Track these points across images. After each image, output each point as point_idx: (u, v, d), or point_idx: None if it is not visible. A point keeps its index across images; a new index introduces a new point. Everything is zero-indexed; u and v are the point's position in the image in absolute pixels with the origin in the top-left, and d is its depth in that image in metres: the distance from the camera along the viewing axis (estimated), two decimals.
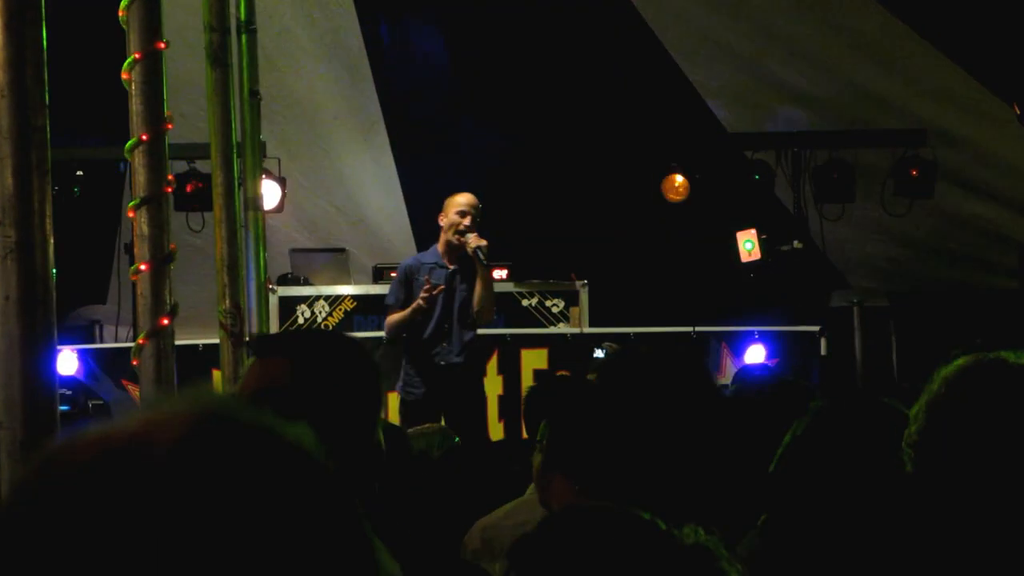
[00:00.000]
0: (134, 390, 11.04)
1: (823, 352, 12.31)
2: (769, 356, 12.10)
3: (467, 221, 9.56)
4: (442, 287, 9.57)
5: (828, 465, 3.03)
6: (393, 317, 9.71)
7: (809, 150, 13.78)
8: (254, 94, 8.58)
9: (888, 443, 2.98)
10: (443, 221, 9.68)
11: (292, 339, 3.47)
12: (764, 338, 12.33)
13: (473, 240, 9.51)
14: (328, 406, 2.96)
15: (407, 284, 9.76)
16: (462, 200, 9.66)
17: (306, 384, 3.10)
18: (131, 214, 4.92)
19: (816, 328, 12.54)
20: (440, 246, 9.73)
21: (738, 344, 12.26)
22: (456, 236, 9.57)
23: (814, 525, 2.99)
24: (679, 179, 13.73)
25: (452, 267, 9.68)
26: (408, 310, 9.59)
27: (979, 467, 2.58)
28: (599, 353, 9.60)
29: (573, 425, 3.60)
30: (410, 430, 6.84)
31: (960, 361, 2.70)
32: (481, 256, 9.51)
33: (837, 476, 3.01)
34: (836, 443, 3.06)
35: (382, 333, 10.01)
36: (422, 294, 9.51)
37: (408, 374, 9.74)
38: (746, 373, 7.02)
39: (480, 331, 10.74)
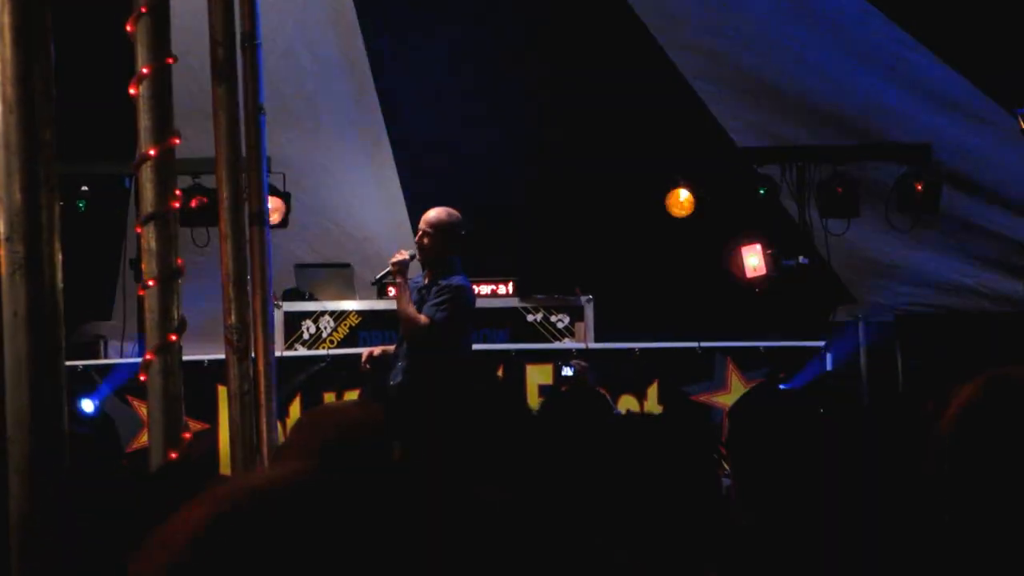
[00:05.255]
0: (139, 406, 11.03)
1: (829, 367, 12.28)
2: (774, 371, 12.07)
3: (417, 238, 9.57)
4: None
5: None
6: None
7: (813, 164, 13.76)
8: (259, 108, 8.58)
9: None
10: None
11: None
12: (769, 353, 12.31)
13: (394, 256, 9.58)
14: None
15: None
16: (424, 216, 9.66)
17: None
18: (139, 229, 4.91)
19: (822, 343, 12.51)
20: None
21: (743, 359, 12.23)
22: None
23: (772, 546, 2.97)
24: (684, 194, 13.73)
25: (424, 281, 9.69)
26: None
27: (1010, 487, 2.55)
28: (567, 371, 9.47)
29: None
30: None
31: (975, 384, 2.66)
32: (389, 273, 9.55)
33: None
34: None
35: (389, 348, 10.02)
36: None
37: None
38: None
39: (484, 347, 10.67)
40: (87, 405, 11.78)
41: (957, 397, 2.62)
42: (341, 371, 11.85)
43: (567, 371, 9.39)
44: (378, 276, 9.98)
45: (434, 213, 9.55)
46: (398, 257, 9.48)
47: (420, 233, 9.51)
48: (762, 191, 13.64)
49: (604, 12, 12.80)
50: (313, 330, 12.51)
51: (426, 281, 9.54)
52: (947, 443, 2.61)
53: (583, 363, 9.78)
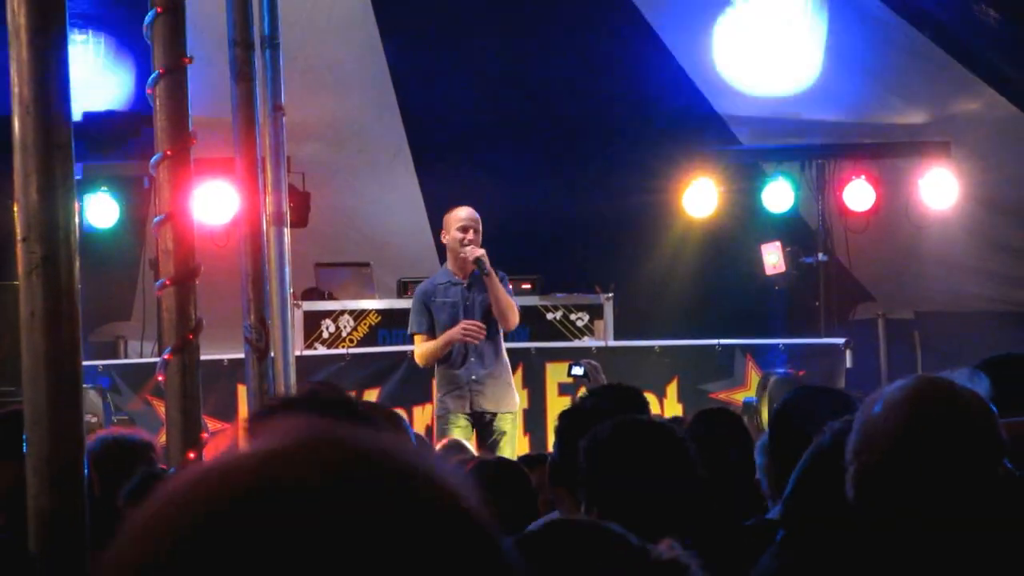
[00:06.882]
0: (159, 405, 11.05)
1: (849, 364, 12.25)
2: (795, 368, 12.05)
3: (470, 235, 9.68)
4: (483, 329, 9.68)
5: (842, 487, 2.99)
6: (425, 348, 9.81)
7: (833, 161, 13.75)
8: (278, 109, 8.58)
9: None
10: (446, 239, 9.85)
11: None
12: (789, 350, 12.30)
13: (471, 252, 9.61)
14: None
15: (427, 310, 9.86)
16: (462, 215, 9.76)
17: None
18: (156, 230, 4.91)
19: (841, 340, 12.49)
20: (450, 264, 9.88)
21: (763, 356, 12.22)
22: (463, 251, 9.67)
23: (830, 546, 2.96)
24: (703, 192, 13.72)
25: (466, 282, 9.76)
26: (441, 341, 9.69)
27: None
28: (577, 370, 9.48)
29: (574, 444, 3.68)
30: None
31: (901, 392, 2.65)
32: (483, 267, 9.60)
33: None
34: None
35: (407, 348, 10.07)
36: (462, 333, 9.58)
37: (440, 390, 9.83)
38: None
39: (505, 344, 10.71)
40: None
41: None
42: (360, 370, 11.86)
43: (577, 370, 9.39)
44: (478, 271, 9.89)
45: (470, 211, 9.75)
46: (479, 252, 9.64)
47: (471, 230, 9.65)
48: (783, 176, 13.62)
49: (618, 17, 12.84)
50: (333, 329, 12.52)
51: (462, 277, 9.68)
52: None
53: (593, 362, 9.81)
